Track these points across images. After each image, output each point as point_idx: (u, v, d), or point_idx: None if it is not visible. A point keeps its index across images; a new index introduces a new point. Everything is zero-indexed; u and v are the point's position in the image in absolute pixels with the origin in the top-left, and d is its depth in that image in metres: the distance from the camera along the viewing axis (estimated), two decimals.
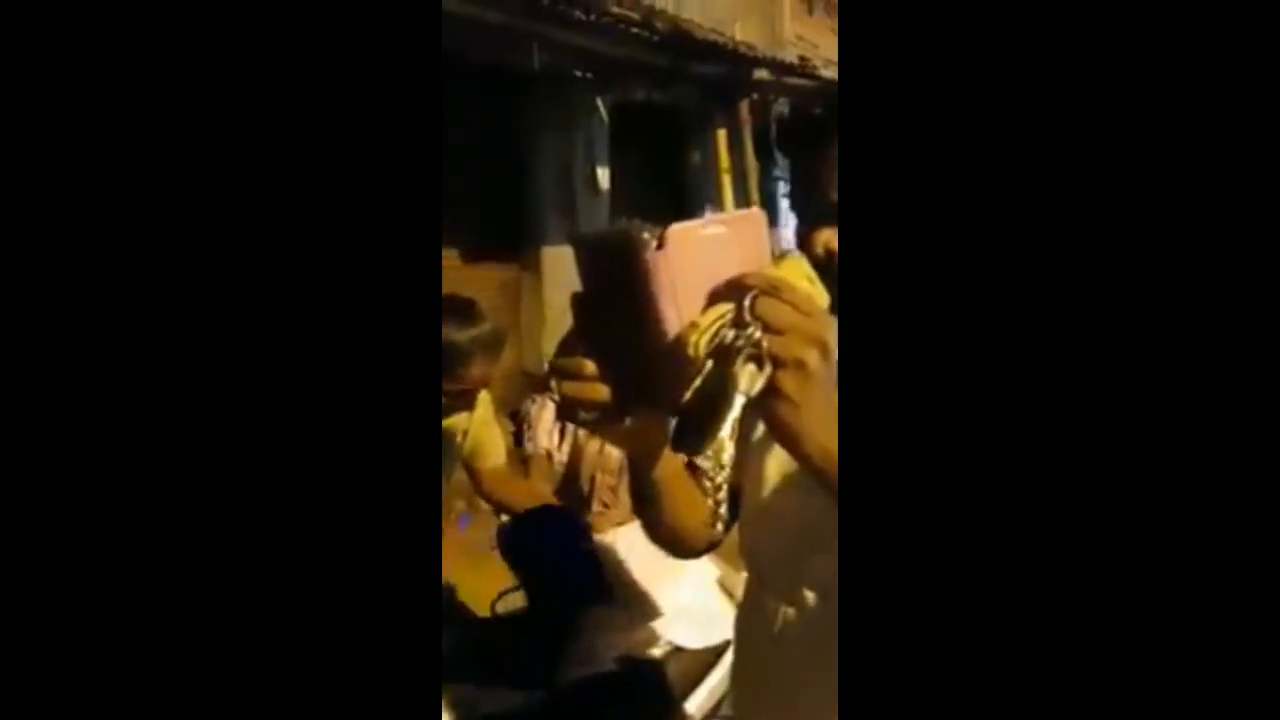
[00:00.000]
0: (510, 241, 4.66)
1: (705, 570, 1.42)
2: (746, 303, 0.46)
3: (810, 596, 0.73)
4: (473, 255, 4.36)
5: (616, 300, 0.48)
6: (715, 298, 0.47)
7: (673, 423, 0.49)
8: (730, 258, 0.49)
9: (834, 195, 0.68)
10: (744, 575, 0.86)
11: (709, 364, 0.45)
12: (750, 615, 0.82)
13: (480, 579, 1.70)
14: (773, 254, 0.52)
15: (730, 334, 0.46)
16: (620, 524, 1.51)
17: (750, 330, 0.46)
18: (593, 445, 1.54)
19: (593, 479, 1.54)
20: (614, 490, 1.52)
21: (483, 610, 1.59)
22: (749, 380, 0.45)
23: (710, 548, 0.83)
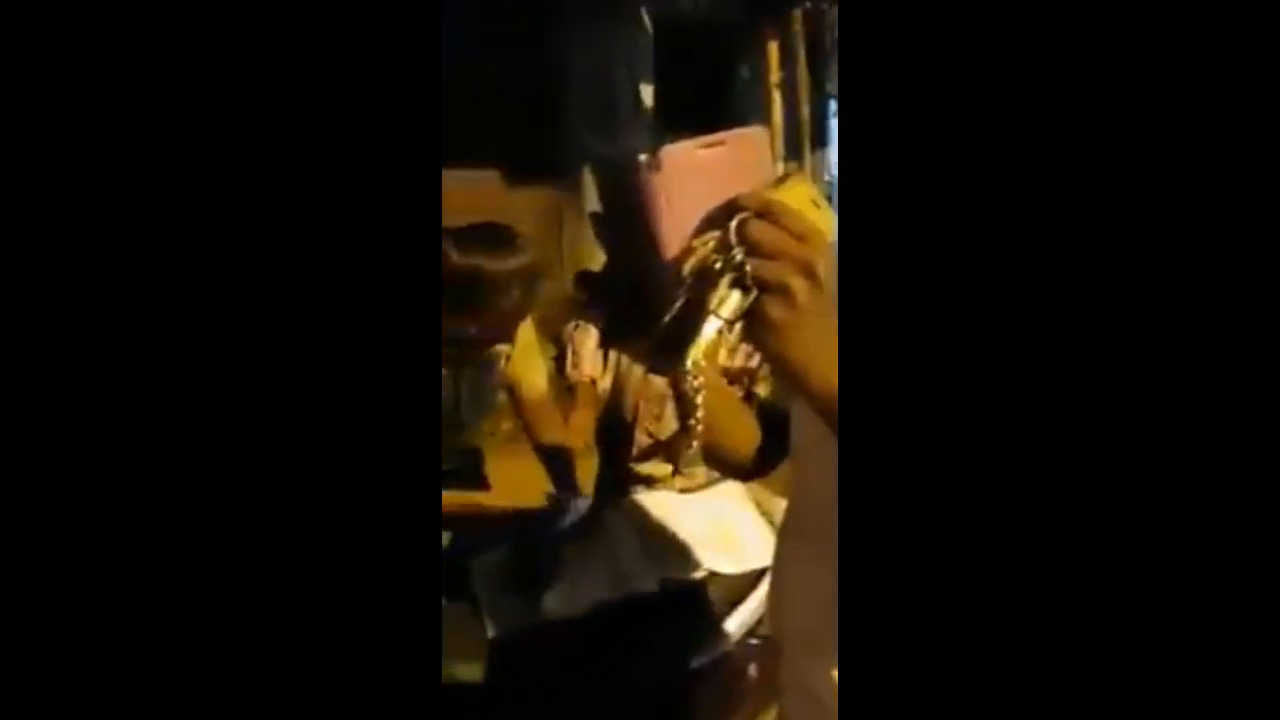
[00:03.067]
0: (552, 163, 4.60)
1: (743, 498, 1.44)
2: (733, 225, 0.45)
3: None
4: (514, 178, 4.31)
5: (625, 223, 0.49)
6: (711, 221, 0.46)
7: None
8: (731, 178, 0.47)
9: None
10: (783, 502, 0.87)
11: (690, 288, 0.46)
12: (786, 544, 0.83)
13: (525, 491, 1.75)
14: (780, 175, 0.50)
15: (714, 257, 0.45)
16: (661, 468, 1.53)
17: (734, 254, 0.45)
18: (636, 373, 1.54)
19: (636, 407, 1.55)
20: (658, 419, 1.52)
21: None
22: (726, 305, 0.45)
23: (758, 471, 0.83)
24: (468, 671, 1.17)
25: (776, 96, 3.89)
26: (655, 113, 4.91)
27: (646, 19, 4.60)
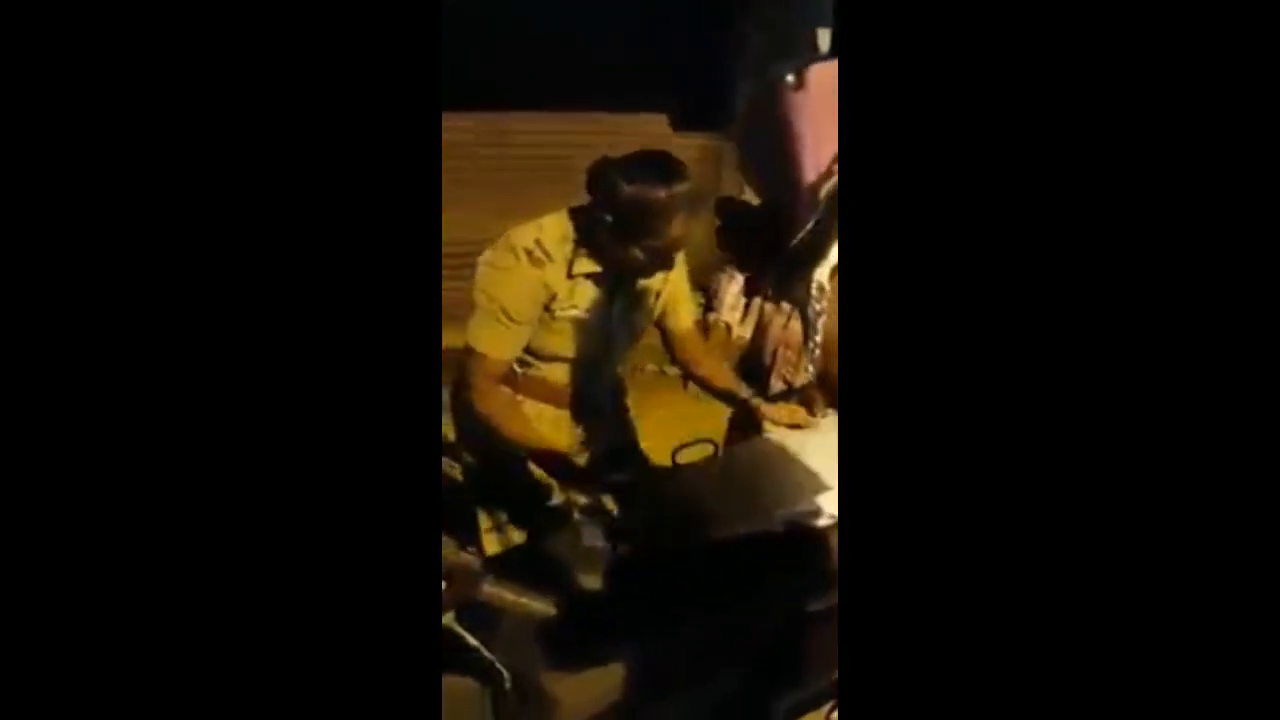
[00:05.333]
0: (721, 110, 4.53)
1: None
2: None
3: None
4: (682, 123, 4.29)
5: (766, 147, 0.49)
6: None
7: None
8: None
9: None
10: None
11: (823, 213, 0.46)
12: None
13: (664, 429, 1.80)
14: None
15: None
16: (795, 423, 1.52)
17: None
18: (778, 320, 1.54)
19: (775, 353, 1.55)
20: (794, 366, 1.52)
21: (664, 460, 1.69)
22: None
23: None
24: (590, 580, 1.24)
25: None
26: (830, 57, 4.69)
27: None
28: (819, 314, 0.52)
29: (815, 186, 0.41)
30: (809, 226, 0.41)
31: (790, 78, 0.42)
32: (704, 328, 1.66)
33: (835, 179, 0.40)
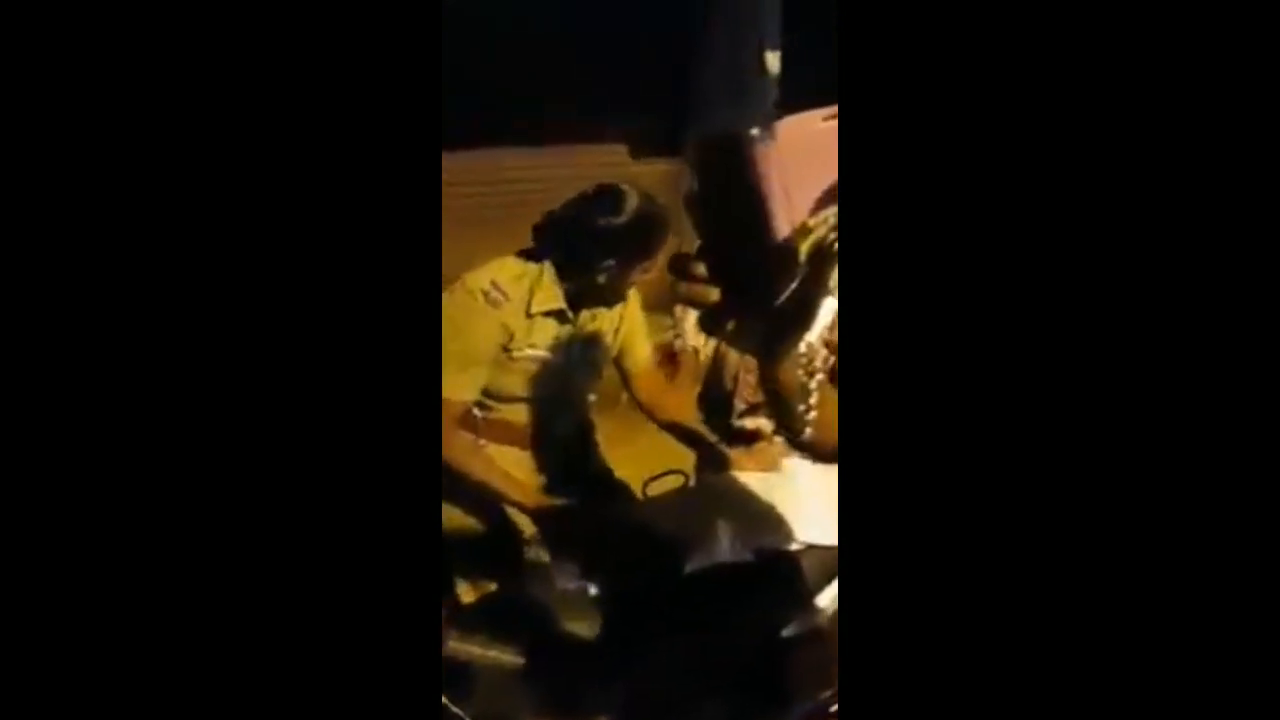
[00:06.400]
0: (675, 134, 4.58)
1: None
2: None
3: None
4: (639, 149, 4.34)
5: (728, 200, 0.47)
6: (828, 198, 0.45)
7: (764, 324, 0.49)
8: None
9: None
10: None
11: (807, 267, 0.44)
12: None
13: (635, 462, 1.80)
14: None
15: (832, 237, 0.43)
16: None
17: None
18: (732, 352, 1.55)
19: (736, 377, 1.56)
20: (756, 389, 1.53)
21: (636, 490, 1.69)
22: None
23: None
24: (580, 627, 1.24)
25: None
26: (781, 80, 4.77)
27: None
28: (813, 374, 0.49)
29: (791, 243, 0.40)
30: (791, 288, 0.40)
31: (755, 131, 0.41)
32: (671, 353, 1.67)
33: (815, 235, 0.39)
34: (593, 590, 1.31)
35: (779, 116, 0.46)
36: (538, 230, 1.47)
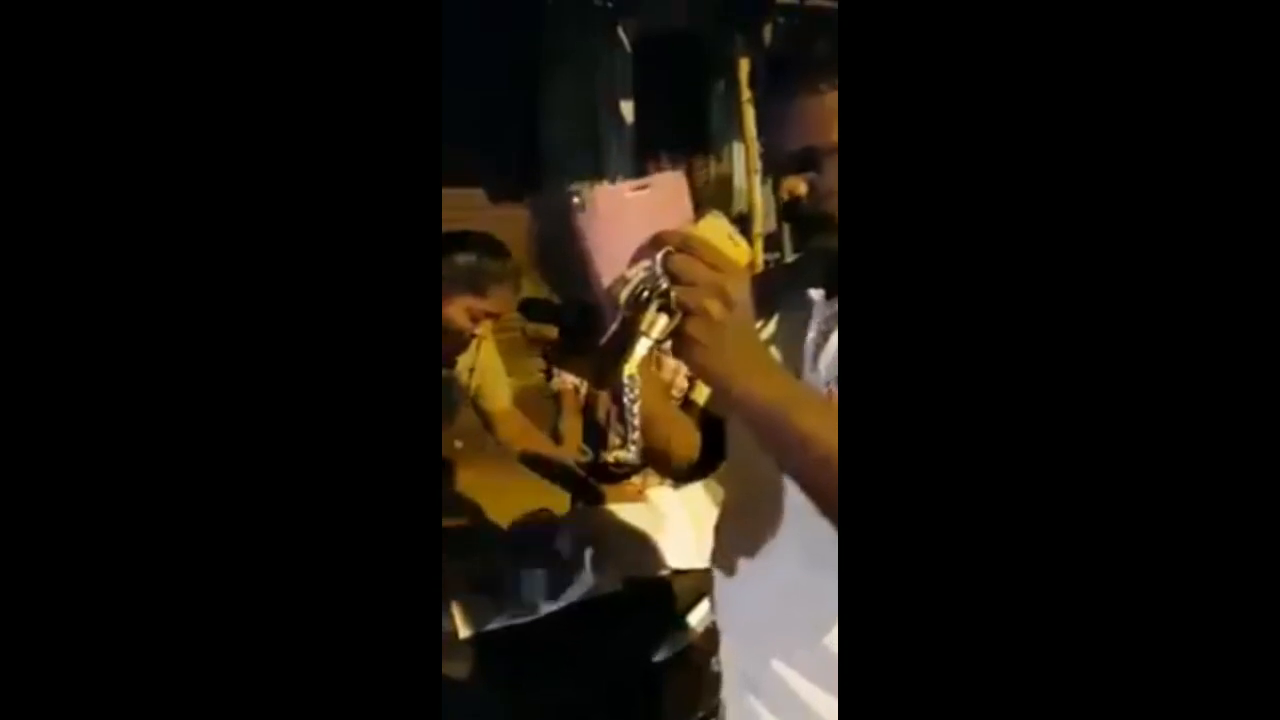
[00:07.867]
0: (536, 180, 4.67)
1: (699, 498, 1.49)
2: (659, 258, 0.53)
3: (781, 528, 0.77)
4: (499, 195, 4.38)
5: (560, 255, 0.56)
6: (640, 253, 0.54)
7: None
8: (654, 216, 0.55)
9: (802, 142, 0.70)
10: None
11: (625, 312, 0.53)
12: (725, 530, 0.88)
13: (504, 503, 1.79)
14: (696, 212, 0.58)
15: (643, 286, 0.53)
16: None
17: (660, 282, 0.53)
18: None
19: (608, 412, 1.61)
20: (622, 420, 1.58)
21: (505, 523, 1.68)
22: (655, 326, 0.53)
23: (700, 473, 0.89)
24: (455, 669, 1.21)
25: (749, 112, 3.96)
26: (636, 129, 4.97)
27: (624, 37, 4.68)
28: (633, 401, 0.61)
29: (612, 291, 0.49)
30: (613, 329, 0.49)
31: (576, 199, 0.48)
32: (553, 395, 1.70)
33: (631, 286, 0.49)
34: (463, 633, 1.29)
35: (635, 163, 0.56)
36: None
